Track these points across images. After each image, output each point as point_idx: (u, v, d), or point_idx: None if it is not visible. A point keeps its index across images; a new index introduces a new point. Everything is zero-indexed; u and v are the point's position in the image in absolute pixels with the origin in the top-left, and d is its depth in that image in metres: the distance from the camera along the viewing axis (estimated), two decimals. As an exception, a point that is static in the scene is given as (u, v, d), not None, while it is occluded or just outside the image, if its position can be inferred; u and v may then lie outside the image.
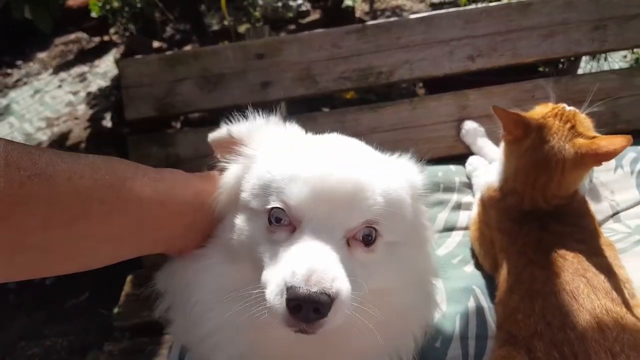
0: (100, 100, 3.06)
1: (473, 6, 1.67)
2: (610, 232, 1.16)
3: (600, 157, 1.01)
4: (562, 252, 0.97)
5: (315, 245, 0.63)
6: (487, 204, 1.15)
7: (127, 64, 1.59)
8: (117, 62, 1.61)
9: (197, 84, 1.54)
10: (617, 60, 2.40)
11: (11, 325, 1.90)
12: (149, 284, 0.82)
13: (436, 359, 0.98)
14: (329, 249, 0.63)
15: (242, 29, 2.94)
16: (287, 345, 0.71)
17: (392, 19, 1.65)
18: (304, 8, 3.21)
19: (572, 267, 0.94)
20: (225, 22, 3.00)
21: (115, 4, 3.04)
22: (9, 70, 3.56)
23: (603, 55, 2.04)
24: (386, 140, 1.50)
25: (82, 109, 3.03)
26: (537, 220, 1.04)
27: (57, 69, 3.49)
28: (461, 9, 1.63)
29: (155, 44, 3.11)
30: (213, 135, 0.81)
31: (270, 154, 0.72)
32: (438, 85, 1.75)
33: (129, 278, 1.40)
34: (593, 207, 1.17)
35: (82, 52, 3.63)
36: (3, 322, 1.91)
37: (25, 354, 1.77)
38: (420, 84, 2.54)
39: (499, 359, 0.89)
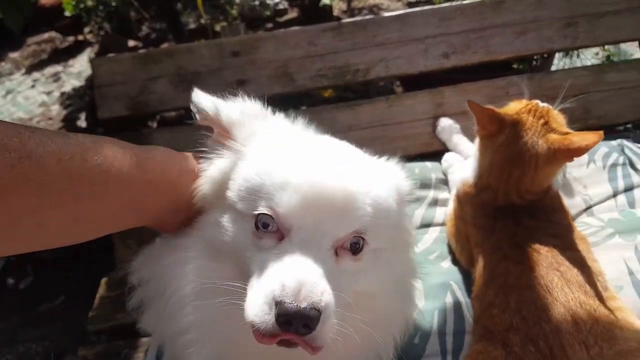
0: (74, 101, 3.00)
1: (447, 4, 1.68)
2: (583, 226, 1.18)
3: (573, 153, 1.02)
4: (536, 246, 0.98)
5: (304, 257, 0.62)
6: (463, 200, 1.15)
7: (100, 63, 1.56)
8: (91, 61, 1.58)
9: (171, 82, 1.52)
10: (589, 57, 2.44)
11: (-17, 331, 1.86)
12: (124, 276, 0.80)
13: (415, 355, 0.98)
14: (317, 261, 0.62)
15: (218, 27, 2.91)
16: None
17: (368, 17, 1.66)
18: (281, 6, 3.20)
19: (546, 261, 0.96)
20: (202, 21, 2.97)
21: (90, 3, 2.99)
22: (-20, 71, 3.48)
23: (575, 52, 2.08)
24: (363, 138, 1.49)
25: (56, 109, 2.96)
26: (511, 216, 1.05)
27: (30, 69, 3.41)
28: (436, 6, 1.65)
29: (131, 43, 3.06)
30: (200, 103, 0.77)
31: (260, 153, 0.70)
32: (414, 83, 1.76)
33: (103, 280, 1.37)
34: (567, 201, 1.19)
35: (56, 51, 3.55)
36: (-25, 328, 1.87)
37: (-2, 360, 1.73)
38: (398, 82, 2.55)
39: (475, 354, 0.90)
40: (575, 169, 1.33)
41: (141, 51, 1.82)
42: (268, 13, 3.06)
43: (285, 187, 0.63)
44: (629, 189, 1.26)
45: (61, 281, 1.96)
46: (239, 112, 0.75)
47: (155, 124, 2.47)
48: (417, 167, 1.43)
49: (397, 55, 1.58)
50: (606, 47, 2.40)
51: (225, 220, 0.69)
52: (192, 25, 3.19)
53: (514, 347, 0.86)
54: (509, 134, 1.07)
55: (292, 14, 3.23)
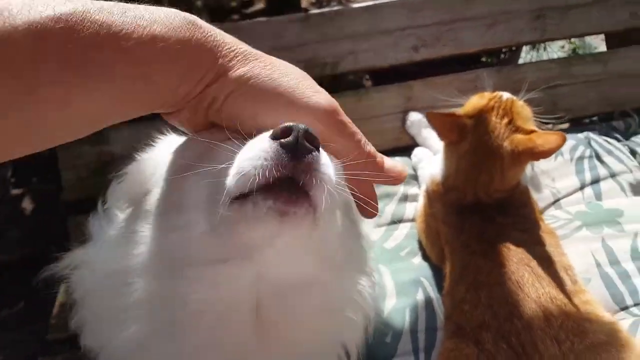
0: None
1: (417, -4, 1.66)
2: (552, 219, 1.18)
3: (536, 156, 1.02)
4: (506, 242, 0.98)
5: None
6: (432, 197, 1.14)
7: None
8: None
9: (131, 78, 1.46)
10: (556, 50, 2.48)
11: (-62, 340, 1.77)
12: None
13: (387, 355, 0.97)
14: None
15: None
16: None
17: (336, 8, 1.62)
18: (248, -3, 3.13)
19: (516, 256, 0.95)
20: (166, 13, 2.88)
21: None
22: None
23: (543, 45, 2.10)
24: (333, 134, 1.47)
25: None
26: (480, 213, 1.04)
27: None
28: (405, -2, 1.62)
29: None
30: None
31: None
32: (384, 76, 1.74)
33: (63, 287, 1.31)
34: (535, 195, 1.19)
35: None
36: None
37: (-46, 370, 1.66)
38: (367, 76, 2.52)
39: (447, 351, 0.89)
40: (543, 162, 1.33)
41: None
42: (234, 4, 2.99)
43: None
44: (595, 181, 1.28)
45: (21, 286, 1.87)
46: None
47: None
48: (388, 162, 1.41)
49: (366, 48, 1.55)
50: (572, 40, 2.44)
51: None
52: (157, 17, 3.09)
53: (486, 344, 0.85)
54: (472, 140, 1.05)
55: (260, 4, 3.16)
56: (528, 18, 1.59)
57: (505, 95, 1.09)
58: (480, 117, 1.06)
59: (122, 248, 0.63)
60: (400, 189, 1.34)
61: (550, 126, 1.16)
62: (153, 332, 0.59)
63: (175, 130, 0.73)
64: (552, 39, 1.79)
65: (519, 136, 1.03)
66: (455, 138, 1.07)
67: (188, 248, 0.58)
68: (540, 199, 1.25)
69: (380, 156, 0.67)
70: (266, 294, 0.60)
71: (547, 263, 0.96)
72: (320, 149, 0.52)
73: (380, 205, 1.27)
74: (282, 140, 0.50)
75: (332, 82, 2.47)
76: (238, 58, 0.59)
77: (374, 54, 1.55)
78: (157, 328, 0.59)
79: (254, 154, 0.51)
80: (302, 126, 0.50)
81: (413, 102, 1.54)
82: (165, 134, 0.77)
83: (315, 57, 1.54)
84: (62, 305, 1.25)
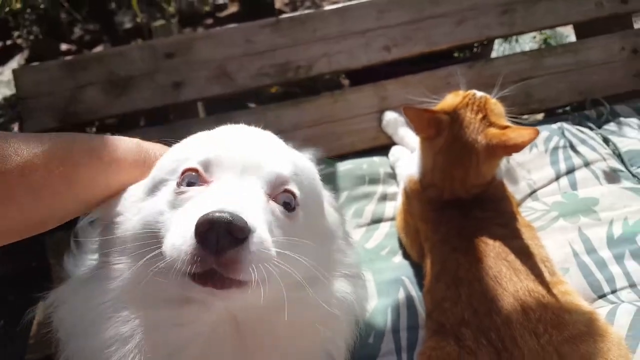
0: (5, 111, 2.81)
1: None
2: (529, 211, 1.19)
3: (510, 149, 1.03)
4: (484, 237, 0.98)
5: (234, 186, 0.58)
6: (410, 195, 1.15)
7: (22, 73, 1.46)
8: (13, 71, 1.47)
9: (102, 89, 1.44)
10: (528, 41, 2.50)
11: None
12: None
13: (370, 356, 0.97)
14: (249, 194, 0.57)
15: (156, 25, 2.80)
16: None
17: (306, 12, 1.62)
18: (221, 1, 3.11)
19: (494, 251, 0.96)
20: (138, 20, 2.85)
21: (17, 5, 2.80)
22: None
23: (514, 37, 2.12)
24: (310, 136, 1.47)
25: (-14, 121, 2.78)
26: (458, 208, 1.05)
27: (-45, 79, 3.19)
28: (374, -1, 1.62)
29: (64, 46, 2.90)
30: None
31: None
32: (360, 77, 1.74)
33: (41, 305, 1.28)
34: (512, 188, 1.20)
35: (-17, 59, 3.33)
36: None
37: None
38: (344, 76, 2.52)
39: (429, 350, 0.89)
40: (518, 154, 1.35)
41: (67, 58, 1.71)
42: (207, 8, 2.97)
43: (210, 148, 0.63)
44: (570, 171, 1.29)
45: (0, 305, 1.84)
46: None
47: (94, 130, 2.35)
48: (365, 162, 1.42)
49: (339, 50, 1.55)
50: (542, 31, 2.46)
51: (131, 201, 0.65)
52: (128, 25, 3.04)
53: (466, 341, 0.85)
54: (448, 136, 1.06)
55: (233, 8, 3.14)
56: (496, 13, 1.61)
57: (479, 93, 1.10)
58: (456, 113, 1.07)
59: (94, 284, 0.64)
60: (379, 188, 1.34)
61: (525, 117, 1.17)
62: None
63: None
64: (521, 33, 1.81)
65: (493, 130, 1.04)
66: (432, 132, 1.07)
67: (154, 287, 0.58)
68: (517, 191, 1.26)
69: None
70: (242, 319, 0.61)
71: (525, 256, 0.96)
72: (252, 231, 0.51)
73: (359, 205, 1.29)
74: (203, 236, 0.49)
75: (308, 84, 2.47)
76: None
77: (347, 55, 1.56)
78: None
79: (180, 240, 0.52)
80: (225, 219, 0.49)
81: (388, 101, 1.55)
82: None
83: (288, 61, 1.54)
84: (41, 325, 1.23)
